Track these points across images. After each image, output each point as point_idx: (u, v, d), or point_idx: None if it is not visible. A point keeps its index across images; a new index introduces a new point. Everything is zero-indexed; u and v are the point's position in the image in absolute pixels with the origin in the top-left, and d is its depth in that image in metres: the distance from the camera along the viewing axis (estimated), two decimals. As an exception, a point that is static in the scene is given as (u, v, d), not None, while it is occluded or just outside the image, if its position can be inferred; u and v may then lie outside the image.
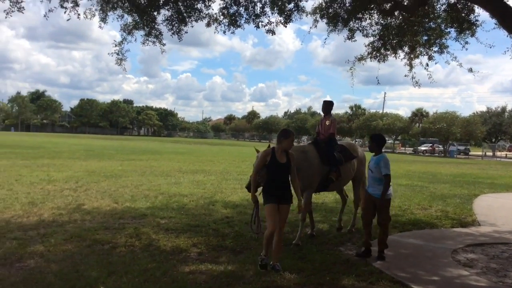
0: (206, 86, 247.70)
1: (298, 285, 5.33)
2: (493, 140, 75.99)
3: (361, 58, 12.13)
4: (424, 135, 67.42)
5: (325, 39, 10.95)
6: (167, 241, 7.09)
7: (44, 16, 8.22)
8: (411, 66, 11.91)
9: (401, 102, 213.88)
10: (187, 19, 9.40)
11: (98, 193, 11.41)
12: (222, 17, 9.86)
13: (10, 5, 7.78)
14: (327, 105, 8.33)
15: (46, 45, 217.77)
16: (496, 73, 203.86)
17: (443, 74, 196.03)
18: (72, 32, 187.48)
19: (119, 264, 5.82)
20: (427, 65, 11.51)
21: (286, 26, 9.60)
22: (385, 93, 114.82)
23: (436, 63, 12.55)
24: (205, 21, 9.82)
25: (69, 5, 8.49)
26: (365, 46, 11.78)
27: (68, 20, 8.54)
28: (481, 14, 10.60)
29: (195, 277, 5.46)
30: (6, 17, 7.71)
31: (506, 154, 63.65)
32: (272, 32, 9.56)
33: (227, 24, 9.98)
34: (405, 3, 10.11)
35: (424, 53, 11.59)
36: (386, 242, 6.61)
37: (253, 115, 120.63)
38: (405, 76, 12.32)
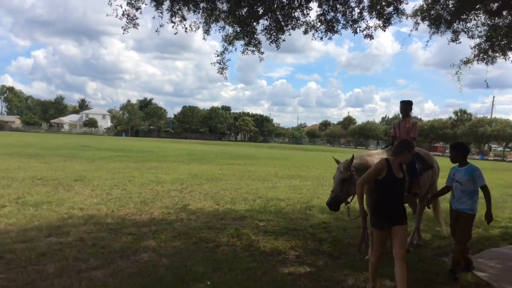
0: (301, 92, 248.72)
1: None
2: None
3: (467, 61, 11.61)
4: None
5: (427, 41, 10.54)
6: (266, 243, 7.36)
7: (156, 31, 8.92)
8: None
9: (507, 107, 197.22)
10: (284, 28, 9.67)
11: (201, 195, 12.09)
12: (319, 23, 10.01)
13: (126, 22, 8.57)
14: (406, 106, 7.50)
15: (152, 56, 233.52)
16: None
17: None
18: (176, 44, 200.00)
19: (223, 261, 6.19)
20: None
21: (385, 30, 9.48)
22: (493, 97, 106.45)
23: None
24: (302, 28, 10.05)
25: (177, 19, 9.15)
26: (471, 48, 11.26)
27: (175, 34, 9.21)
28: None
29: (294, 279, 5.66)
30: (123, 33, 8.52)
31: None
32: (371, 37, 9.49)
33: (324, 30, 10.11)
34: None
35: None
36: (461, 261, 6.19)
37: (348, 120, 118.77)
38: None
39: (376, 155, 6.54)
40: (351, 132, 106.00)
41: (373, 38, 9.58)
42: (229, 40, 9.87)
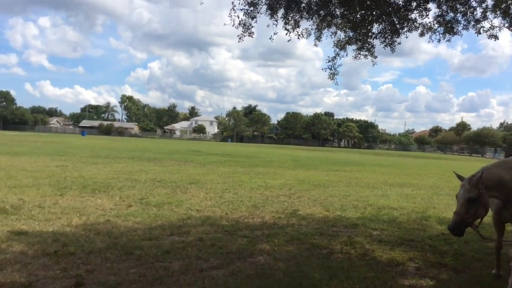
0: (408, 97, 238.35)
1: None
2: None
3: None
4: None
5: None
6: (382, 252, 7.11)
7: (270, 38, 9.06)
8: None
9: None
10: (400, 31, 9.32)
11: (310, 201, 12.05)
12: (437, 25, 9.51)
13: (242, 31, 8.84)
14: None
15: (256, 64, 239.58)
16: None
17: None
18: (279, 51, 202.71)
19: (338, 269, 6.08)
20: None
21: (511, 30, 8.72)
22: None
23: None
24: (419, 31, 9.61)
25: (289, 27, 9.24)
26: None
27: (289, 41, 9.30)
28: None
29: (415, 291, 5.38)
30: (238, 41, 8.80)
31: None
32: (496, 37, 8.79)
33: (442, 32, 9.59)
34: None
35: None
36: None
37: (462, 126, 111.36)
38: None
39: (508, 166, 5.46)
40: (465, 139, 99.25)
41: (498, 39, 8.87)
42: (341, 45, 9.76)
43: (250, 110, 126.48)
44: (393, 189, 15.95)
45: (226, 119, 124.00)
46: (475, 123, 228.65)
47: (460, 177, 5.33)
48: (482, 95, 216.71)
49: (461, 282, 5.81)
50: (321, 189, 14.90)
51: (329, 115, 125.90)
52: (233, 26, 8.37)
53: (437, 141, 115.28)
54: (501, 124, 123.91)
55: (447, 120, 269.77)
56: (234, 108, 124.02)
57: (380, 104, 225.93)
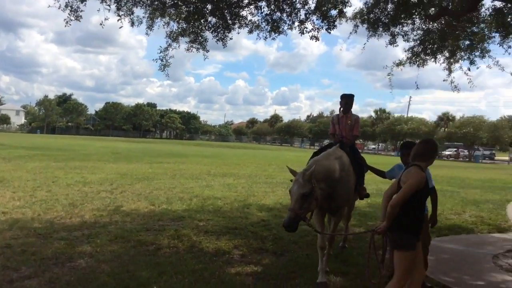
0: (228, 90, 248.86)
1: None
2: (521, 145, 74.30)
3: (399, 63, 12.10)
4: (449, 139, 66.46)
5: (364, 44, 10.92)
6: (208, 243, 7.21)
7: (100, 24, 8.31)
8: (450, 71, 11.81)
9: (425, 106, 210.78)
10: (231, 26, 9.54)
11: (134, 195, 11.64)
12: (265, 23, 9.98)
13: (69, 14, 7.94)
14: (348, 100, 6.68)
15: (73, 49, 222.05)
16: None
17: (455, 78, 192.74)
18: (100, 37, 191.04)
19: (167, 264, 5.96)
20: (469, 69, 11.39)
21: (330, 32, 9.65)
22: (410, 97, 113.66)
23: (477, 68, 12.57)
24: (248, 28, 9.97)
25: (122, 13, 8.66)
26: (405, 51, 11.75)
27: (120, 27, 8.71)
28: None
29: (242, 279, 5.57)
30: (65, 26, 7.92)
31: (534, 159, 62.21)
32: (316, 38, 9.63)
33: (268, 30, 10.11)
34: (452, 8, 10.00)
35: (465, 57, 11.50)
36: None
37: (275, 118, 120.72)
38: (444, 80, 12.24)
39: (333, 158, 5.67)
40: (277, 130, 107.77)
41: (318, 39, 9.74)
42: (173, 37, 9.56)
43: (64, 99, 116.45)
44: (216, 179, 16.44)
45: (36, 108, 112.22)
46: (286, 116, 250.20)
47: (293, 172, 5.21)
48: (292, 90, 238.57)
49: (281, 265, 6.22)
50: (146, 182, 14.53)
51: (152, 106, 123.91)
52: (59, 8, 7.49)
53: (253, 132, 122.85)
54: (308, 116, 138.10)
55: (262, 112, 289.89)
56: (46, 96, 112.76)
57: (202, 96, 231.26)
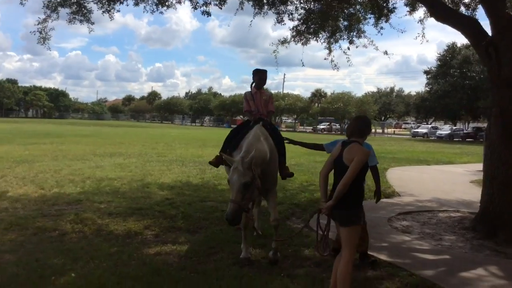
0: (98, 65, 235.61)
1: (266, 259, 5.58)
2: (383, 118, 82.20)
3: (284, 41, 12.53)
4: (322, 114, 70.91)
5: (251, 21, 10.96)
6: (116, 225, 6.93)
7: None
8: (330, 50, 12.56)
9: (297, 83, 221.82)
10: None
11: (18, 179, 10.64)
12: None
13: None
14: (263, 75, 6.33)
15: None
16: (381, 56, 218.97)
17: (334, 57, 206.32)
18: None
19: (78, 250, 5.63)
20: (348, 48, 12.23)
21: (221, 8, 9.62)
22: (284, 74, 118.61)
23: (357, 47, 13.54)
24: (133, 1, 9.52)
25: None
26: (290, 29, 12.15)
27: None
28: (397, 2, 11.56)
29: (163, 258, 5.48)
30: None
31: (393, 131, 69.33)
32: (208, 13, 9.54)
33: (156, 3, 9.76)
34: None
35: (345, 37, 12.30)
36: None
37: (154, 95, 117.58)
38: (325, 59, 13.00)
39: (263, 139, 5.41)
40: (156, 107, 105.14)
41: (210, 15, 9.65)
42: (52, 7, 8.74)
43: None
44: (105, 160, 15.66)
45: None
46: (163, 93, 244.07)
47: (229, 160, 4.85)
48: (168, 66, 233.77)
49: (199, 242, 6.23)
50: (26, 165, 13.32)
51: (13, 82, 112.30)
52: None
53: (131, 109, 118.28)
54: (187, 93, 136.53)
55: (137, 89, 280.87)
56: None
57: (69, 72, 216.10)
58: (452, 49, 51.83)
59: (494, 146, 6.92)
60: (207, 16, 9.78)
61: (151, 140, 28.83)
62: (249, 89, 6.43)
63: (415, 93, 76.00)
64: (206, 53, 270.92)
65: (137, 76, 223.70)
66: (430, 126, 59.65)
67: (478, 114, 51.10)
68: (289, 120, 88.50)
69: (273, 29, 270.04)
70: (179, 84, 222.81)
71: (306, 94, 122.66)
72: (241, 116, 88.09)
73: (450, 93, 48.64)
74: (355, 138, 4.19)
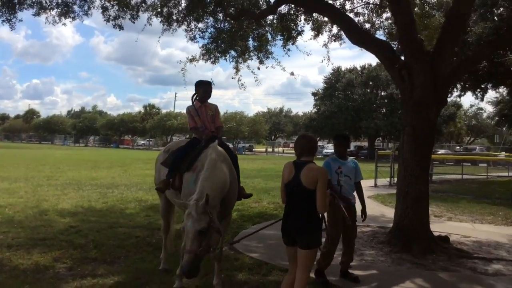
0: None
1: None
2: (273, 137, 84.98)
3: (192, 59, 12.36)
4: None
5: (159, 37, 10.56)
6: (20, 259, 6.11)
7: None
8: (237, 69, 12.63)
9: (187, 102, 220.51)
10: (17, 6, 8.19)
11: None
12: (54, 5, 8.91)
13: None
14: (208, 88, 5.83)
15: None
16: (269, 78, 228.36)
17: (224, 77, 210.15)
18: None
19: (-20, 292, 4.80)
20: (259, 68, 12.38)
21: (134, 22, 9.18)
22: (176, 93, 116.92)
23: (266, 68, 13.86)
24: (34, 9, 8.74)
25: None
26: (199, 47, 12.02)
27: None
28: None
29: (86, 294, 4.89)
30: None
31: (283, 150, 71.96)
32: (120, 27, 9.03)
33: (58, 14, 9.08)
34: (254, 10, 10.57)
35: (254, 57, 12.45)
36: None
37: (31, 113, 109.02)
38: (232, 78, 13.06)
39: (220, 162, 4.92)
40: (34, 127, 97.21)
41: (122, 28, 9.14)
42: None
43: None
44: (-14, 185, 13.91)
45: None
46: (41, 111, 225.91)
47: (185, 205, 4.20)
48: (46, 83, 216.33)
49: (121, 273, 5.69)
50: None
51: None
52: None
53: (5, 129, 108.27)
54: (69, 111, 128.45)
55: (11, 107, 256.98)
56: None
57: None
58: (337, 73, 55.52)
59: (407, 163, 7.36)
60: (120, 30, 9.25)
61: (34, 162, 26.41)
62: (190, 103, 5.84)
63: (302, 114, 79.97)
64: (89, 69, 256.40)
65: (11, 93, 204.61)
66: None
67: (359, 133, 55.10)
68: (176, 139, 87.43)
69: (161, 48, 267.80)
70: (58, 101, 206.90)
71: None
72: (129, 136, 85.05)
73: (336, 113, 51.88)
74: (305, 158, 4.10)
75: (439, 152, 36.77)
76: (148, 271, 5.78)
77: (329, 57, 12.39)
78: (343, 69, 56.26)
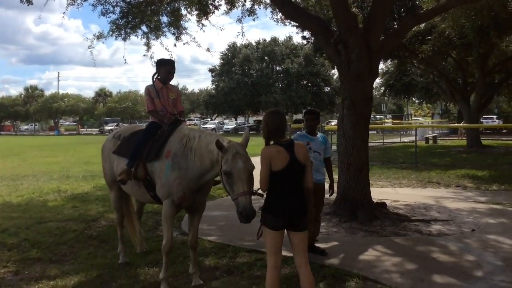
0: None
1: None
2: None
3: (100, 36, 11.54)
4: (110, 114, 67.62)
5: (64, 13, 9.46)
6: None
7: None
8: (148, 46, 12.03)
9: (68, 82, 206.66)
10: None
11: None
12: None
13: None
14: (171, 68, 5.28)
15: None
16: (155, 54, 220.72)
17: (108, 54, 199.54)
18: None
19: None
20: (175, 45, 11.93)
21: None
22: (58, 73, 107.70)
23: (184, 44, 13.20)
24: None
25: None
26: (109, 23, 11.21)
27: None
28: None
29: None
30: None
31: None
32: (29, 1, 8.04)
33: None
34: None
35: (169, 33, 11.94)
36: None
37: None
38: (144, 55, 12.45)
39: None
40: None
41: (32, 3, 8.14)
42: None
43: None
44: None
45: None
46: None
47: (221, 147, 3.90)
48: None
49: (77, 272, 5.19)
50: None
51: None
52: None
53: None
54: None
55: None
56: None
57: None
58: (233, 48, 55.61)
59: (348, 135, 7.60)
60: (28, 5, 8.19)
61: None
62: (150, 83, 5.26)
63: (198, 91, 79.15)
64: None
65: None
66: (217, 121, 62.93)
67: (259, 108, 56.13)
68: (67, 123, 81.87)
69: (35, 23, 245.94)
70: None
71: (82, 93, 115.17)
72: (9, 121, 77.22)
73: (235, 89, 52.20)
74: (281, 136, 3.82)
75: (332, 123, 38.61)
76: (107, 267, 5.35)
77: (243, 32, 12.32)
78: (238, 44, 56.52)
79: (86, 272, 5.17)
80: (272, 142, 3.82)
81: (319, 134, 5.78)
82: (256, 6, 11.82)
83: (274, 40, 56.05)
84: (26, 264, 5.48)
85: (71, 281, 4.88)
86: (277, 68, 55.95)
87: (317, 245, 5.79)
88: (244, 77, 53.45)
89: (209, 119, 70.15)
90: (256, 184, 3.78)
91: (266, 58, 55.24)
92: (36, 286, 4.77)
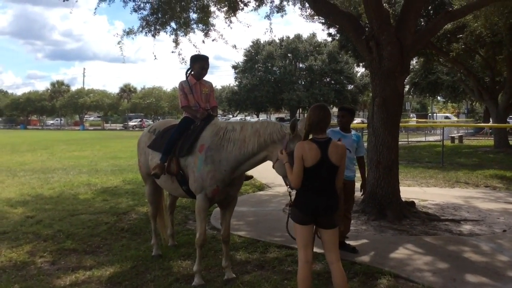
0: None
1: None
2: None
3: (130, 32, 11.66)
4: (134, 110, 68.36)
5: (95, 8, 9.63)
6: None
7: None
8: (176, 43, 12.10)
9: (92, 78, 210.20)
10: None
11: None
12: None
13: None
14: (205, 63, 5.33)
15: None
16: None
17: (132, 51, 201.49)
18: None
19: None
20: (203, 41, 11.99)
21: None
22: (84, 68, 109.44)
23: (213, 40, 13.18)
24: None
25: None
26: (139, 20, 11.33)
27: None
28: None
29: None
30: None
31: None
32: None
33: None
34: None
35: (197, 30, 12.01)
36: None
37: None
38: (172, 52, 12.53)
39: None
40: None
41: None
42: None
43: None
44: None
45: None
46: None
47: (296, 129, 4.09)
48: None
49: (113, 263, 5.32)
50: None
51: None
52: None
53: None
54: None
55: None
56: None
57: None
58: (257, 45, 55.67)
59: (378, 133, 7.56)
60: (64, 1, 8.36)
61: None
62: (184, 79, 5.32)
63: (221, 87, 79.33)
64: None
65: None
66: (239, 118, 63.10)
67: (281, 105, 56.10)
68: (91, 118, 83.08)
69: (62, 19, 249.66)
70: None
71: (107, 89, 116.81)
72: (36, 116, 78.43)
73: (258, 86, 52.28)
74: (321, 131, 3.83)
75: (355, 122, 38.25)
76: (141, 259, 5.45)
77: (271, 28, 12.28)
78: (262, 41, 56.48)
79: (120, 263, 5.28)
80: (310, 137, 3.84)
81: (353, 132, 5.75)
82: (284, 3, 11.86)
83: (298, 37, 55.84)
84: (62, 255, 5.63)
85: (106, 272, 5.00)
86: (300, 65, 55.81)
87: (347, 242, 5.80)
88: (267, 74, 53.46)
89: (231, 116, 70.38)
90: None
91: (289, 55, 55.15)
92: (73, 275, 4.89)
